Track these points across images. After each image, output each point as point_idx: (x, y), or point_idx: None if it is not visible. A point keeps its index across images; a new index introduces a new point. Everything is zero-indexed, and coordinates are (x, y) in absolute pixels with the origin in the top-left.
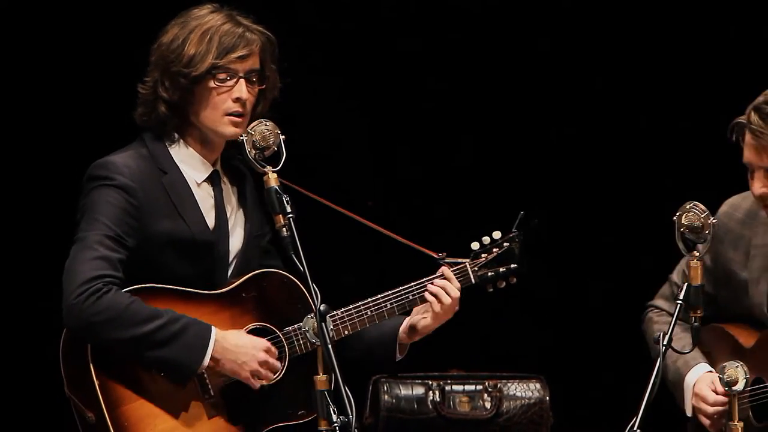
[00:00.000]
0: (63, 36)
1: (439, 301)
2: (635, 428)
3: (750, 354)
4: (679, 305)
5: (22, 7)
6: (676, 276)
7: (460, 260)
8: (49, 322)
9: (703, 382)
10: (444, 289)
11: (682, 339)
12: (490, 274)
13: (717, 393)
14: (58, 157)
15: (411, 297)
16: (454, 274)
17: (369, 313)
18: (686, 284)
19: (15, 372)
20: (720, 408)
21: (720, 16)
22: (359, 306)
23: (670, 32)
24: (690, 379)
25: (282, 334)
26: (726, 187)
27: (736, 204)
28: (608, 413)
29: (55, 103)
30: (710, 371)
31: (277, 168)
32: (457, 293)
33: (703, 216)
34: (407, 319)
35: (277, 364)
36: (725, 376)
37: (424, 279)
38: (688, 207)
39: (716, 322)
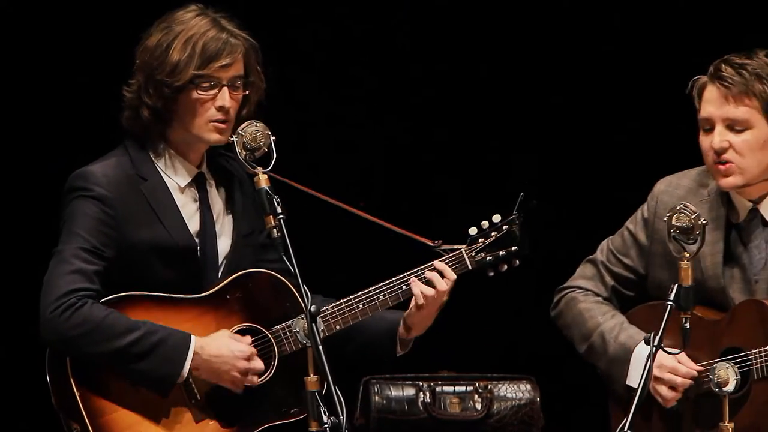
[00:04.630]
0: (48, 39)
1: (423, 294)
2: (626, 429)
3: (712, 326)
4: (669, 306)
5: (8, 9)
6: (601, 255)
7: (456, 247)
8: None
9: (663, 355)
10: (431, 281)
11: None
12: (488, 258)
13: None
14: (43, 161)
15: (405, 287)
16: (450, 261)
17: (361, 306)
18: (677, 285)
19: (7, 384)
20: (689, 381)
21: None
22: (350, 300)
23: (664, 31)
24: (639, 351)
25: (270, 333)
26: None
27: (674, 182)
28: (599, 414)
29: (39, 107)
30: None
31: (268, 169)
32: (444, 286)
33: (693, 217)
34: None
35: (261, 366)
36: (716, 377)
37: (418, 268)
38: (678, 208)
39: (644, 302)
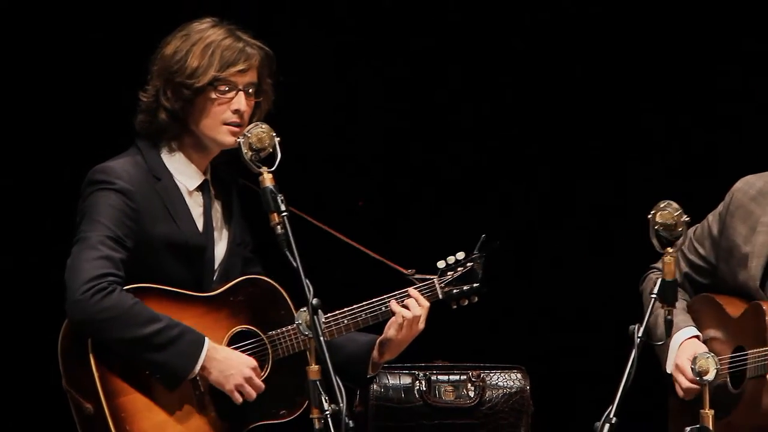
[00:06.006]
0: (60, 43)
1: (403, 316)
2: (611, 416)
3: (734, 323)
4: (653, 299)
5: (21, 13)
6: (683, 240)
7: (428, 276)
8: (44, 319)
9: (685, 353)
10: (406, 306)
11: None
12: (455, 291)
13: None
14: (53, 162)
15: (384, 309)
16: (423, 289)
17: (345, 321)
18: (660, 279)
19: (10, 369)
20: (695, 386)
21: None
22: (336, 315)
23: (661, 31)
24: (677, 338)
25: (266, 337)
26: (703, 185)
27: (751, 182)
28: (585, 401)
29: (50, 109)
30: (697, 335)
31: (272, 168)
32: (419, 311)
33: (676, 214)
34: (379, 337)
35: (261, 384)
36: (696, 367)
37: (396, 293)
38: (662, 206)
39: (710, 292)
